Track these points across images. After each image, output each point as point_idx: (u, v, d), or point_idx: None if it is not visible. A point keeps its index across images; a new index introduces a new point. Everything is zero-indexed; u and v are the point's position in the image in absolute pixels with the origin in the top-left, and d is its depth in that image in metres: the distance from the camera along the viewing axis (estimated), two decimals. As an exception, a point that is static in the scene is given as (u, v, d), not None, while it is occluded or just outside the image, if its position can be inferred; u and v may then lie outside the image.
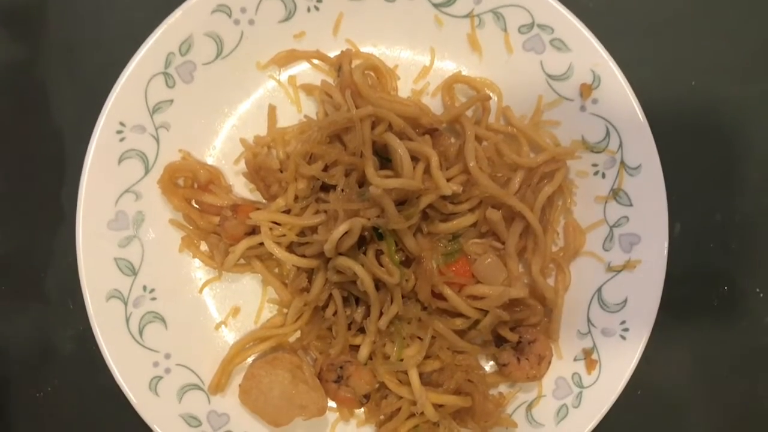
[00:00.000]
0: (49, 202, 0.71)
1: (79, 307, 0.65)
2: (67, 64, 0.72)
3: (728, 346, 0.72)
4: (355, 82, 0.65)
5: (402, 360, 0.65)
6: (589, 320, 0.68)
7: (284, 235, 0.64)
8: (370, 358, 0.67)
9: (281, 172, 0.66)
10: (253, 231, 0.67)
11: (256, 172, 0.68)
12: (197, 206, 0.68)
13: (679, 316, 0.70)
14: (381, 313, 0.63)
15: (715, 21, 0.73)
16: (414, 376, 0.64)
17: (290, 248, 0.66)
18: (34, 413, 0.70)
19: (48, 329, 0.68)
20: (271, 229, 0.64)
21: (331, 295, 0.65)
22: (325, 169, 0.65)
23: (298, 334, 0.69)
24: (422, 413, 0.64)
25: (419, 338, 0.66)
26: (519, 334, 0.67)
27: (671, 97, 0.71)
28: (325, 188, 0.66)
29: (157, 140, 0.67)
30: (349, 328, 0.66)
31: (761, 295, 0.72)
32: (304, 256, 0.65)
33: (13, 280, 0.71)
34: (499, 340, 0.68)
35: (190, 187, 0.68)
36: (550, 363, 0.67)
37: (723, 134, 0.73)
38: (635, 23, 0.71)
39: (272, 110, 0.69)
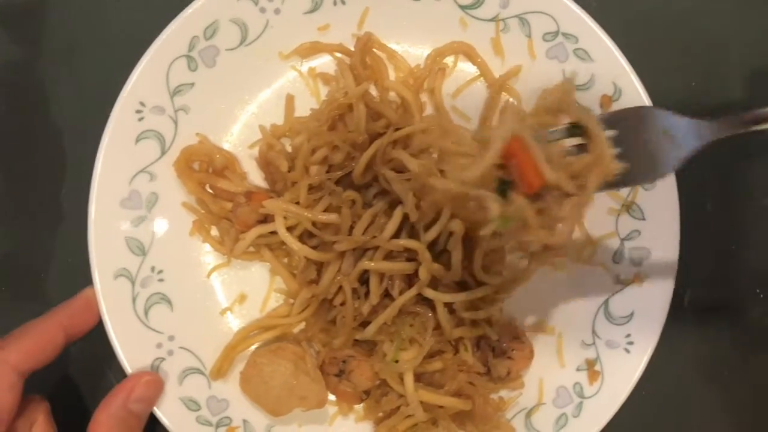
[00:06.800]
0: (49, 202, 0.71)
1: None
2: (68, 63, 0.72)
3: (728, 347, 0.72)
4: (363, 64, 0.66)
5: (397, 362, 0.65)
6: (594, 331, 0.68)
7: (296, 226, 0.65)
8: (371, 354, 0.67)
9: (289, 171, 0.66)
10: (265, 219, 0.67)
11: (266, 165, 0.68)
12: (211, 191, 0.68)
13: (678, 317, 0.70)
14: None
15: (716, 21, 0.73)
16: (408, 380, 0.64)
17: (301, 239, 0.66)
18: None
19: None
20: (285, 218, 0.64)
21: (340, 287, 0.65)
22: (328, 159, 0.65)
23: (302, 325, 0.69)
24: (419, 413, 0.64)
25: (419, 343, 0.65)
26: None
27: (671, 97, 0.70)
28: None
29: (176, 122, 0.67)
30: (354, 319, 0.66)
31: (761, 295, 0.72)
32: (314, 247, 0.65)
33: (13, 280, 0.71)
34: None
35: (205, 171, 0.68)
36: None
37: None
38: (635, 24, 0.71)
39: (290, 99, 0.69)
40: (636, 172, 0.52)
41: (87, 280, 0.66)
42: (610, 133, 0.52)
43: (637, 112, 0.53)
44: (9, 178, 0.72)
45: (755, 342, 0.72)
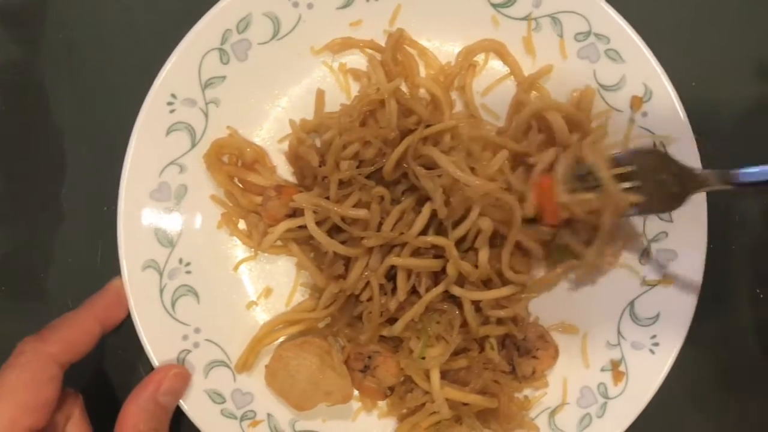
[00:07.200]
0: (49, 202, 0.71)
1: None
2: (68, 63, 0.71)
3: (728, 347, 0.72)
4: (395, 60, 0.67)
5: (424, 358, 0.65)
6: (619, 332, 0.68)
7: (325, 221, 0.65)
8: (397, 350, 0.67)
9: (320, 166, 0.66)
10: (294, 213, 0.67)
11: (295, 160, 0.68)
12: (240, 184, 0.68)
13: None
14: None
15: (716, 21, 0.73)
16: (435, 377, 0.65)
17: (329, 234, 0.66)
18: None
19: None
20: (315, 212, 0.64)
21: (367, 283, 0.65)
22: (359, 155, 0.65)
23: (327, 320, 0.68)
24: (443, 411, 0.64)
25: (445, 340, 0.66)
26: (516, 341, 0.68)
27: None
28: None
29: (206, 115, 0.67)
30: (381, 315, 0.66)
31: (761, 295, 0.72)
32: (342, 242, 0.65)
33: (13, 280, 0.71)
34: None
35: (234, 164, 0.68)
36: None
37: (723, 135, 0.72)
38: (636, 24, 0.70)
39: (320, 94, 0.69)
40: (652, 204, 0.61)
41: (86, 280, 0.67)
42: (629, 167, 0.61)
43: (651, 153, 0.63)
44: (9, 178, 0.72)
45: (755, 342, 0.72)
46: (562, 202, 0.61)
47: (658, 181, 0.60)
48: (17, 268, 0.71)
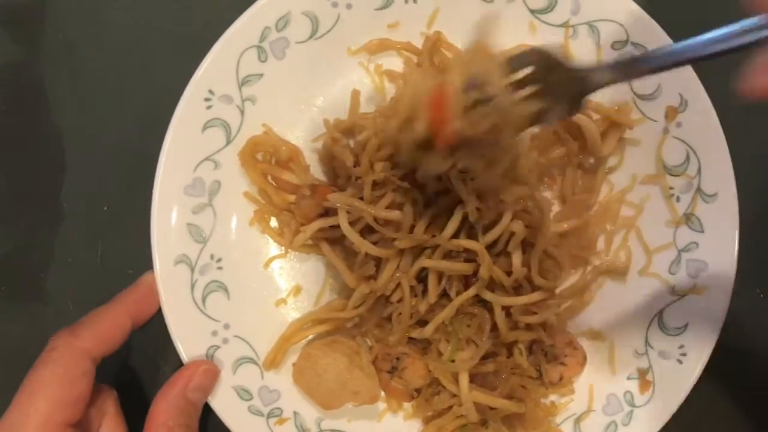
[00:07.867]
0: (49, 202, 0.71)
1: (79, 308, 0.65)
2: (68, 63, 0.72)
3: (728, 347, 0.71)
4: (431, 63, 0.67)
5: (453, 361, 0.65)
6: (647, 341, 0.68)
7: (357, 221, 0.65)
8: (425, 352, 0.67)
9: (354, 167, 0.66)
10: (326, 213, 0.67)
11: (329, 160, 0.68)
12: (273, 182, 0.68)
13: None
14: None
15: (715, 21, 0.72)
16: (464, 380, 0.65)
17: (361, 234, 0.66)
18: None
19: (48, 330, 0.67)
20: (348, 212, 0.64)
21: (398, 284, 0.65)
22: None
23: (356, 320, 0.69)
24: (469, 414, 0.64)
25: (475, 344, 0.66)
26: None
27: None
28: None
29: (242, 112, 0.67)
30: (411, 317, 0.66)
31: (761, 295, 0.73)
32: (374, 243, 0.65)
33: (13, 280, 0.71)
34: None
35: (269, 162, 0.68)
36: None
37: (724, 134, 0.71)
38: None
39: (356, 95, 0.69)
40: (553, 112, 0.53)
41: (86, 280, 0.67)
42: (527, 70, 0.53)
43: (543, 54, 0.53)
44: (9, 178, 0.72)
45: (756, 342, 0.73)
46: (454, 121, 0.51)
47: (552, 85, 0.52)
48: (17, 268, 0.71)
